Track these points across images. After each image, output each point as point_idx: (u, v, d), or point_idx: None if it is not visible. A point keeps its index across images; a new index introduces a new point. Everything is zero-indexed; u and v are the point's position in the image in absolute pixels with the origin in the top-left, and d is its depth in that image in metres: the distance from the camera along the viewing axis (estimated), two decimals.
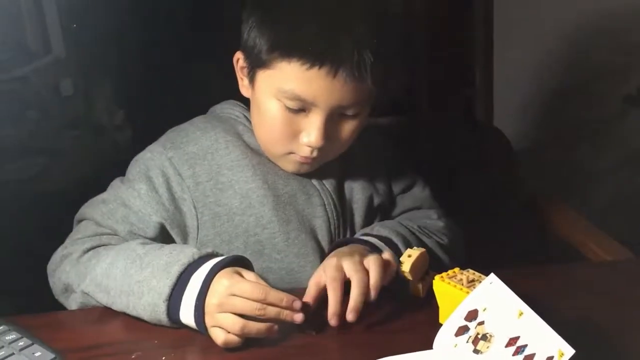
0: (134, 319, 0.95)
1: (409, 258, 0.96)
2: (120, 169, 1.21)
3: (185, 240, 1.06)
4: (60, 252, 1.05)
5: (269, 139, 1.06)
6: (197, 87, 1.68)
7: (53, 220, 1.52)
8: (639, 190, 1.96)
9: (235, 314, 0.87)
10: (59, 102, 1.70)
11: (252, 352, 0.88)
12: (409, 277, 0.95)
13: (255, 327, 0.88)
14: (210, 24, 1.66)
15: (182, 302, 0.91)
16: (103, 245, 1.02)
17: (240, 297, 0.87)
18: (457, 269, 0.91)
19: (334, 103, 0.99)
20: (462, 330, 0.81)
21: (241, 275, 0.90)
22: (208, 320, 0.89)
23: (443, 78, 2.09)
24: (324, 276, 0.94)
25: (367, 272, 0.93)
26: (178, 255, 0.93)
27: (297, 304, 0.89)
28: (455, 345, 0.81)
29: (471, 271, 0.91)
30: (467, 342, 0.80)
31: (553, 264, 1.33)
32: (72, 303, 1.03)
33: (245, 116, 1.12)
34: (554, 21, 1.93)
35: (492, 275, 0.83)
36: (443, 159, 1.51)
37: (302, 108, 1.00)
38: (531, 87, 2.02)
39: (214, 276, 0.90)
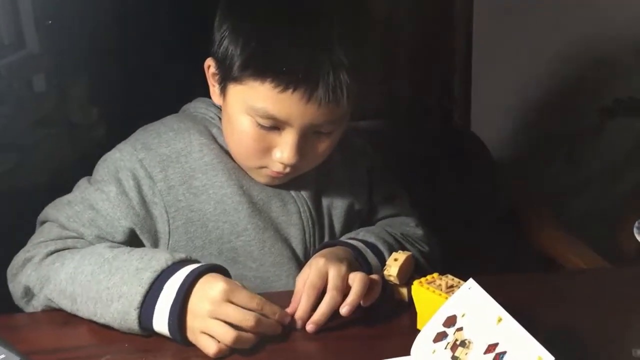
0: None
1: (395, 262, 0.94)
2: (92, 167, 1.18)
3: (155, 245, 1.02)
4: (22, 255, 1.00)
5: (241, 153, 1.02)
6: (173, 85, 1.66)
7: (22, 218, 1.49)
8: (615, 202, 1.98)
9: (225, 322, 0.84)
10: (32, 98, 1.67)
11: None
12: (396, 281, 0.94)
13: (247, 339, 0.85)
14: (187, 22, 1.64)
15: (155, 310, 0.87)
16: (68, 249, 0.98)
17: (236, 305, 0.85)
18: (436, 275, 0.90)
19: (307, 123, 0.96)
20: (441, 336, 0.79)
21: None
22: (197, 325, 0.85)
23: (421, 89, 2.09)
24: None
25: (346, 288, 0.91)
26: (150, 262, 0.89)
27: (287, 320, 0.89)
28: (434, 352, 0.79)
29: (450, 277, 0.89)
30: (446, 348, 0.78)
31: (531, 272, 1.32)
32: (32, 308, 0.98)
33: (219, 117, 1.08)
34: (531, 36, 1.94)
35: (470, 280, 0.82)
36: (421, 164, 1.50)
37: (275, 126, 0.96)
38: (508, 99, 2.02)
39: (190, 284, 0.86)
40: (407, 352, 0.82)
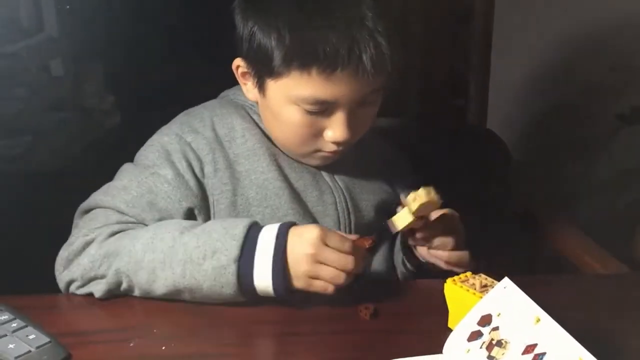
0: (132, 307, 0.91)
1: (414, 201, 0.92)
2: (105, 154, 1.17)
3: None
4: (80, 240, 0.95)
5: (292, 143, 1.03)
6: (188, 77, 1.66)
7: (36, 200, 1.49)
8: (628, 207, 1.97)
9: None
10: (48, 82, 1.67)
11: (258, 345, 0.86)
12: (412, 209, 0.92)
13: (350, 278, 0.90)
14: (204, 12, 1.63)
15: (255, 262, 0.88)
16: (130, 229, 0.96)
17: (332, 248, 0.88)
18: (469, 273, 0.89)
19: (356, 98, 0.97)
20: (475, 335, 0.78)
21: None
22: (304, 270, 0.88)
23: (436, 88, 2.09)
24: None
25: None
26: (234, 222, 0.91)
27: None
28: (468, 351, 0.78)
29: (483, 276, 0.88)
30: (481, 347, 0.77)
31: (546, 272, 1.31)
32: (96, 292, 0.94)
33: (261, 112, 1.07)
34: (550, 38, 1.93)
35: (505, 279, 0.81)
36: (439, 162, 1.49)
37: (323, 109, 0.97)
38: (525, 100, 2.01)
39: (285, 234, 0.89)
40: (437, 350, 0.81)
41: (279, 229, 0.90)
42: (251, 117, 1.07)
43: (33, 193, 1.51)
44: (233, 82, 1.11)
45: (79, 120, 1.71)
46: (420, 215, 0.93)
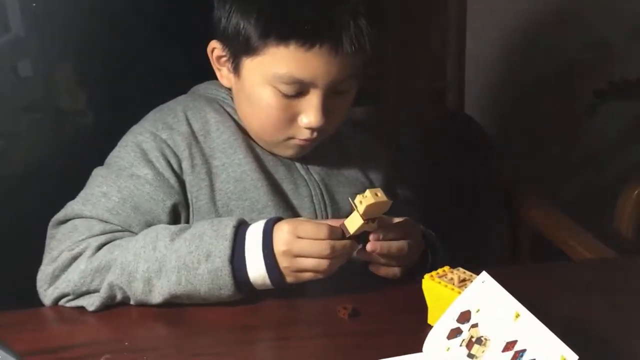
0: (102, 319, 0.90)
1: (361, 204, 0.88)
2: (81, 154, 1.14)
3: (187, 223, 1.00)
4: (65, 255, 0.92)
5: (265, 128, 1.01)
6: (162, 70, 1.63)
7: (8, 204, 1.46)
8: (608, 184, 1.97)
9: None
10: (17, 83, 1.64)
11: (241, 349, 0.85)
12: (360, 211, 0.89)
13: (336, 262, 0.90)
14: (174, 6, 1.61)
15: (246, 258, 0.88)
16: (118, 239, 0.94)
17: (307, 238, 0.88)
18: (447, 268, 0.88)
19: (333, 80, 0.95)
20: (455, 332, 0.77)
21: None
22: (287, 265, 0.89)
23: (413, 70, 2.07)
24: None
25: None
26: (221, 222, 0.91)
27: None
28: (448, 349, 0.77)
29: (461, 270, 0.87)
30: (461, 345, 0.76)
31: (534, 262, 1.31)
32: (88, 305, 0.92)
33: (231, 98, 1.06)
34: (527, 15, 1.92)
35: (484, 273, 0.80)
36: (419, 149, 1.48)
37: (299, 91, 0.96)
38: (502, 80, 2.00)
39: (272, 227, 0.89)
40: (418, 349, 0.80)
41: (266, 223, 0.90)
42: (225, 109, 1.06)
43: (5, 197, 1.49)
44: (209, 76, 1.09)
45: (52, 121, 1.67)
46: (371, 218, 0.90)
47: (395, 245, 0.94)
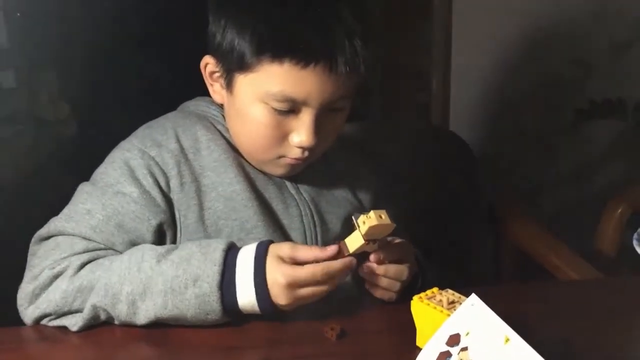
0: (85, 339, 0.88)
1: (363, 224, 0.88)
2: (63, 165, 1.13)
3: (173, 242, 0.99)
4: (46, 273, 0.91)
5: (256, 146, 1.00)
6: (145, 82, 1.63)
7: None
8: (586, 200, 1.99)
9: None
10: (0, 95, 1.63)
11: None
12: (362, 232, 0.89)
13: (333, 284, 0.89)
14: (160, 18, 1.60)
15: (237, 285, 0.87)
16: (101, 258, 0.92)
17: (300, 262, 0.87)
18: (435, 289, 0.87)
19: (325, 99, 0.95)
20: (444, 356, 0.77)
21: (284, 260, 0.88)
22: (287, 298, 0.87)
23: (398, 83, 2.08)
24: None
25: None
26: (210, 244, 0.90)
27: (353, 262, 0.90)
28: None
29: (450, 291, 0.87)
30: None
31: (518, 278, 1.31)
32: (71, 325, 0.91)
33: (222, 115, 1.05)
34: (511, 31, 1.93)
35: (473, 296, 0.79)
36: (402, 166, 1.48)
37: (291, 109, 0.95)
38: (486, 96, 2.01)
39: (264, 252, 0.88)
40: None
41: (257, 249, 0.89)
42: (215, 127, 1.04)
43: None
44: (193, 90, 1.08)
45: (35, 132, 1.66)
46: (372, 239, 0.90)
47: (394, 269, 0.94)
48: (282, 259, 0.88)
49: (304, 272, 0.87)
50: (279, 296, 0.87)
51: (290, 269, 0.87)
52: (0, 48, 1.58)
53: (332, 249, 0.89)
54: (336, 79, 0.93)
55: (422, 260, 1.05)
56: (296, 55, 0.91)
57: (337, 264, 0.88)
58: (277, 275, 0.87)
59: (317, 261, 0.88)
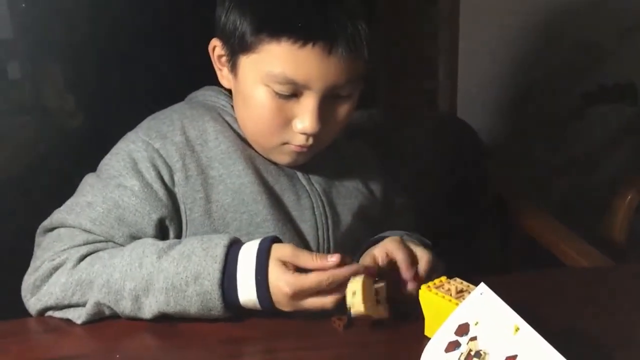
0: (90, 331, 0.88)
1: (354, 295, 0.84)
2: (69, 156, 1.12)
3: (178, 237, 0.97)
4: (46, 265, 0.91)
5: (259, 131, 0.98)
6: (152, 72, 1.63)
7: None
8: (595, 186, 1.98)
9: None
10: (6, 86, 1.63)
11: None
12: (365, 311, 0.84)
13: (340, 292, 0.86)
14: (167, 7, 1.60)
15: (238, 283, 0.86)
16: (101, 251, 0.92)
17: (310, 293, 0.85)
18: (444, 278, 0.87)
19: (328, 83, 0.92)
20: (453, 345, 0.76)
21: (287, 265, 0.86)
22: (293, 305, 0.86)
23: (405, 70, 2.07)
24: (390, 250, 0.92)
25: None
26: (212, 240, 0.88)
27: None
28: None
29: (459, 280, 0.86)
30: (459, 359, 0.75)
31: (527, 266, 1.31)
32: (75, 318, 0.91)
33: (231, 105, 1.04)
34: (517, 17, 1.92)
35: (482, 285, 0.79)
36: (410, 154, 1.47)
37: (293, 92, 0.93)
38: (493, 82, 2.00)
39: (267, 249, 0.86)
40: None
41: (259, 247, 0.87)
42: (223, 118, 1.03)
43: None
44: (200, 80, 1.08)
45: (41, 123, 1.66)
46: (375, 300, 0.87)
47: (427, 267, 0.93)
48: (285, 265, 0.86)
49: (308, 281, 0.85)
50: (283, 304, 0.86)
51: (294, 278, 0.85)
52: (6, 39, 1.58)
53: (335, 259, 0.86)
54: (337, 61, 0.91)
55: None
56: (293, 34, 0.89)
57: (343, 271, 0.86)
58: (281, 284, 0.85)
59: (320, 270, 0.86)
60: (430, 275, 0.92)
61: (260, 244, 0.88)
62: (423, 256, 0.93)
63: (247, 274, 0.86)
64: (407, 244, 0.94)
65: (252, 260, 0.86)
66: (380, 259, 0.91)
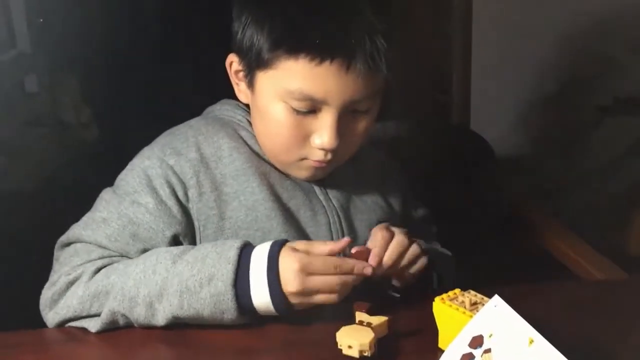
0: (105, 340, 0.89)
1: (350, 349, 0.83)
2: (86, 168, 1.13)
3: None
4: (63, 279, 0.92)
5: (278, 147, 0.99)
6: (168, 86, 1.64)
7: (15, 221, 1.46)
8: (610, 199, 1.97)
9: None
10: (23, 98, 1.64)
11: None
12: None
13: (346, 290, 0.89)
14: (184, 21, 1.61)
15: (251, 284, 0.86)
16: (116, 262, 0.93)
17: (317, 274, 0.86)
18: (457, 290, 0.87)
19: (346, 99, 0.92)
20: (467, 358, 0.76)
21: (296, 249, 0.88)
22: (299, 302, 0.88)
23: (418, 84, 2.07)
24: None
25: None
26: (225, 244, 0.90)
27: (368, 271, 0.89)
28: None
29: (473, 292, 0.86)
30: None
31: (543, 280, 1.30)
32: (90, 327, 0.92)
33: (247, 120, 1.04)
34: (531, 30, 1.92)
35: (496, 297, 0.79)
36: (424, 166, 1.47)
37: (311, 108, 0.93)
38: (507, 95, 2.00)
39: (277, 252, 0.87)
40: None
41: (271, 248, 0.89)
42: (239, 134, 1.03)
43: (9, 213, 1.49)
44: (217, 94, 1.08)
45: (57, 135, 1.68)
46: (378, 334, 0.86)
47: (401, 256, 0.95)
48: (295, 250, 0.88)
49: (316, 258, 0.87)
50: (290, 282, 0.86)
51: (304, 255, 0.87)
52: (24, 53, 1.60)
53: (345, 240, 0.89)
54: (356, 77, 0.90)
55: (433, 255, 1.03)
56: (311, 51, 0.89)
57: (351, 260, 0.89)
58: (290, 261, 0.87)
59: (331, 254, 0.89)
60: (397, 261, 0.93)
61: (272, 245, 0.89)
62: (395, 239, 0.94)
63: (259, 272, 0.87)
64: (392, 229, 0.95)
65: (264, 260, 0.88)
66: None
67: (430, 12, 2.00)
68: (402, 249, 0.94)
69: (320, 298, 0.88)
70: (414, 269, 0.97)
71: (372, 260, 0.91)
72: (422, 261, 0.97)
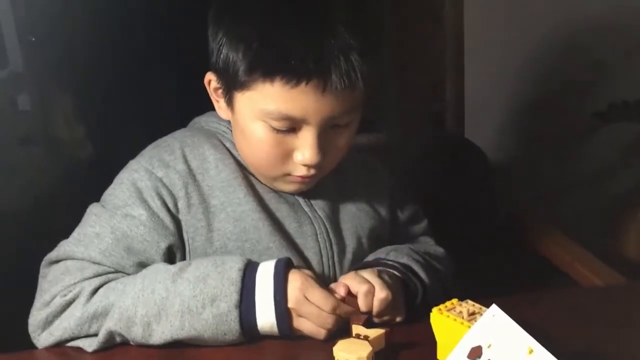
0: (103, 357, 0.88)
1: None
2: (78, 185, 1.12)
3: None
4: (58, 300, 0.91)
5: (261, 164, 0.99)
6: (160, 101, 1.63)
7: (4, 240, 1.45)
8: (607, 204, 1.97)
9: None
10: (16, 117, 1.64)
11: None
12: None
13: (333, 329, 0.89)
14: (176, 39, 1.61)
15: (256, 305, 0.87)
16: (113, 282, 0.92)
17: (314, 304, 0.87)
18: (455, 300, 0.86)
19: (325, 117, 0.92)
20: None
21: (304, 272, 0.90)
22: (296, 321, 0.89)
23: (411, 93, 2.07)
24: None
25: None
26: (226, 263, 0.89)
27: (360, 321, 0.89)
28: None
29: (470, 302, 0.86)
30: None
31: (543, 288, 1.30)
32: (86, 347, 0.91)
33: (231, 131, 1.04)
34: (524, 37, 1.92)
35: (493, 306, 0.78)
36: (418, 174, 1.47)
37: (291, 127, 0.93)
38: (501, 102, 2.00)
39: (284, 272, 0.89)
40: None
41: (276, 268, 0.89)
42: (224, 145, 1.03)
43: (4, 232, 1.48)
44: (209, 109, 1.07)
45: (50, 154, 1.67)
46: (375, 347, 0.86)
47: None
48: (304, 272, 0.90)
49: (320, 289, 0.88)
50: (289, 295, 0.88)
51: (300, 296, 0.88)
52: (16, 72, 1.60)
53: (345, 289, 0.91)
54: (333, 95, 0.90)
55: (406, 276, 1.01)
56: (286, 74, 0.88)
57: (348, 309, 0.89)
58: (294, 278, 0.88)
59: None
60: (381, 313, 0.93)
61: (277, 265, 0.90)
62: (377, 297, 0.92)
63: (266, 295, 0.87)
64: (366, 279, 0.93)
65: (270, 282, 0.88)
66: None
67: (422, 20, 2.00)
68: (387, 304, 0.92)
69: (308, 327, 0.89)
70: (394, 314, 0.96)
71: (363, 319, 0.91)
72: (401, 313, 0.96)
